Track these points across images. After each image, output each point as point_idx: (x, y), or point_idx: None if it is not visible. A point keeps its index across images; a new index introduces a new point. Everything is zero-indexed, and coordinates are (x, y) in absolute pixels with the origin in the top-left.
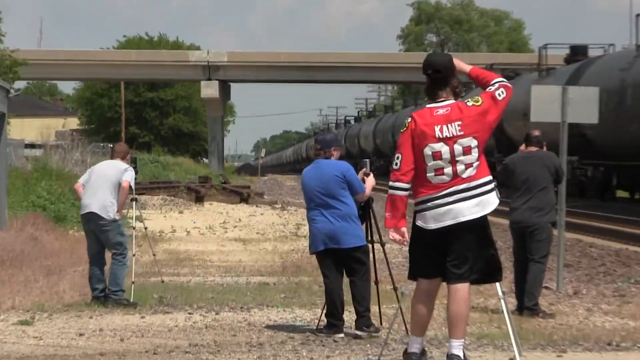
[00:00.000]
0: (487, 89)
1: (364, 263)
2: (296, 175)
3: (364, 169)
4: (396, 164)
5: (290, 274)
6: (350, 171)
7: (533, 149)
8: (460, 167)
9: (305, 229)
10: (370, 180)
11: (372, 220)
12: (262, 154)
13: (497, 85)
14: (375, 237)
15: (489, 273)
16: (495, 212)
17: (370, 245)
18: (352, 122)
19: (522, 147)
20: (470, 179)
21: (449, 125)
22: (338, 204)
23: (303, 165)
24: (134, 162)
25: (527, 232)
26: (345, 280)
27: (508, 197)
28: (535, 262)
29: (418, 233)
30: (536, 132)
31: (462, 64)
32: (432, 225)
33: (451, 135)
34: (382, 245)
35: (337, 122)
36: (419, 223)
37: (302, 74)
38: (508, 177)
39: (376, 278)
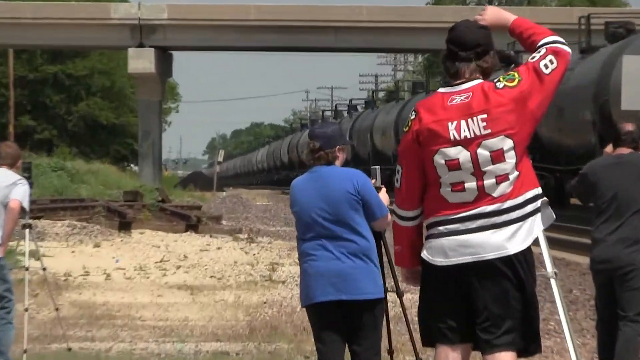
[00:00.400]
0: (530, 58)
1: (376, 327)
2: (271, 190)
3: (373, 181)
4: (397, 179)
5: (261, 339)
6: (368, 184)
7: (625, 150)
8: (489, 182)
9: (284, 271)
10: (383, 198)
11: (386, 258)
12: (220, 158)
13: (544, 50)
14: (389, 283)
15: (523, 342)
16: (565, 245)
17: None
18: (360, 108)
19: (609, 148)
20: (503, 197)
21: (469, 120)
22: (352, 235)
23: (282, 174)
24: (27, 171)
25: (617, 276)
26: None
27: (589, 224)
28: (629, 321)
29: (427, 272)
30: (629, 127)
31: (502, 13)
32: (441, 260)
33: (472, 135)
34: (400, 295)
35: (334, 110)
36: (424, 255)
37: (280, 38)
38: (587, 194)
39: (390, 345)
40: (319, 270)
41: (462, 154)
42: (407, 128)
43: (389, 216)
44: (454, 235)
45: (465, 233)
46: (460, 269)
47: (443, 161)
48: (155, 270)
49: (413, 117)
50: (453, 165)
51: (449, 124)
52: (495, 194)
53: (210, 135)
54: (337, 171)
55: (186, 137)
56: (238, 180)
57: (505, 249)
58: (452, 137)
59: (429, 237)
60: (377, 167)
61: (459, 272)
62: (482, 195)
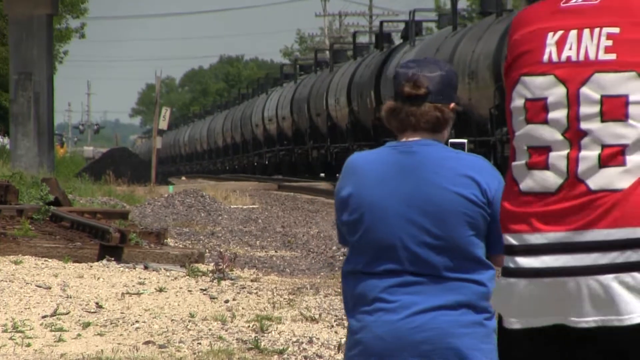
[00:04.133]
0: None
1: None
2: (258, 183)
3: None
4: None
5: None
6: (502, 186)
7: None
8: (588, 154)
9: (282, 332)
10: None
11: None
12: (163, 124)
13: None
14: None
15: None
16: None
17: None
18: (401, 40)
19: None
20: (606, 199)
21: (586, 32)
22: (470, 274)
23: (277, 154)
24: None
25: None
26: None
27: None
28: None
29: (504, 342)
30: None
31: None
32: (515, 322)
33: (582, 57)
34: None
35: (355, 45)
36: (503, 315)
37: None
38: None
39: None
40: (398, 331)
41: (553, 91)
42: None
43: None
44: (531, 276)
45: (553, 270)
46: (557, 336)
47: (522, 101)
48: (41, 331)
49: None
50: (536, 110)
51: (550, 34)
52: (591, 184)
53: (143, 80)
54: (449, 157)
55: (99, 83)
56: (196, 163)
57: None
58: (545, 58)
59: (505, 272)
60: (461, 140)
61: (555, 341)
62: (572, 179)
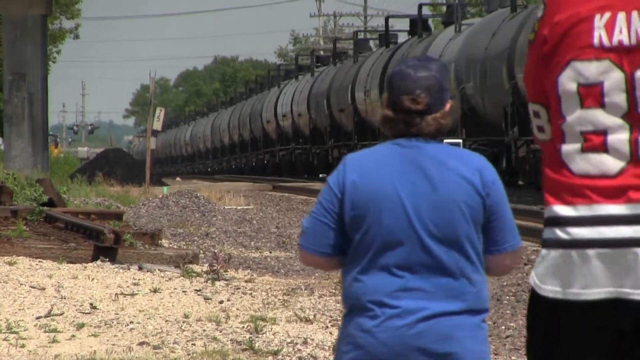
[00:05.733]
0: None
1: None
2: (253, 183)
3: None
4: (536, 127)
5: None
6: (501, 187)
7: None
8: None
9: (277, 333)
10: None
11: None
12: (157, 124)
13: None
14: None
15: None
16: None
17: None
18: (408, 37)
19: None
20: None
21: (635, 14)
22: (465, 270)
23: (274, 155)
24: None
25: None
26: None
27: None
28: None
29: (537, 310)
30: None
31: None
32: (559, 291)
33: (636, 41)
34: None
35: (388, 33)
36: (531, 280)
37: None
38: None
39: None
40: (402, 337)
41: (610, 75)
42: (533, 35)
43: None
44: (589, 248)
45: (618, 244)
46: (608, 309)
47: (574, 85)
48: (36, 333)
49: (540, 14)
50: (591, 95)
51: (597, 16)
52: None
53: (138, 80)
54: (443, 152)
55: (94, 84)
56: (191, 164)
57: None
58: (596, 42)
59: (546, 244)
60: (456, 140)
61: (607, 312)
62: (635, 161)
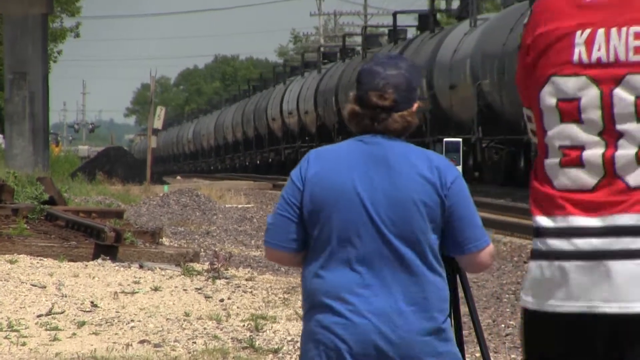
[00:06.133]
0: None
1: None
2: (253, 182)
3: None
4: (532, 131)
5: None
6: (462, 185)
7: None
8: (625, 153)
9: (277, 331)
10: None
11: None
12: (158, 123)
13: None
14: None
15: None
16: None
17: None
18: (417, 32)
19: None
20: None
21: (613, 31)
22: (422, 267)
23: (275, 153)
24: None
25: None
26: None
27: None
28: None
29: (530, 323)
30: None
31: None
32: (536, 302)
33: (613, 59)
34: None
35: (396, 29)
36: (522, 294)
37: None
38: None
39: None
40: (362, 335)
41: (587, 92)
42: (520, 41)
43: (492, 248)
44: (563, 257)
45: (591, 256)
46: (584, 321)
47: (554, 100)
48: (37, 331)
49: (526, 21)
50: (568, 110)
51: (578, 33)
52: (631, 181)
53: (138, 79)
54: (405, 150)
55: (94, 83)
56: (193, 162)
57: None
58: (575, 58)
59: (533, 255)
60: (456, 139)
61: (584, 328)
62: (610, 177)
